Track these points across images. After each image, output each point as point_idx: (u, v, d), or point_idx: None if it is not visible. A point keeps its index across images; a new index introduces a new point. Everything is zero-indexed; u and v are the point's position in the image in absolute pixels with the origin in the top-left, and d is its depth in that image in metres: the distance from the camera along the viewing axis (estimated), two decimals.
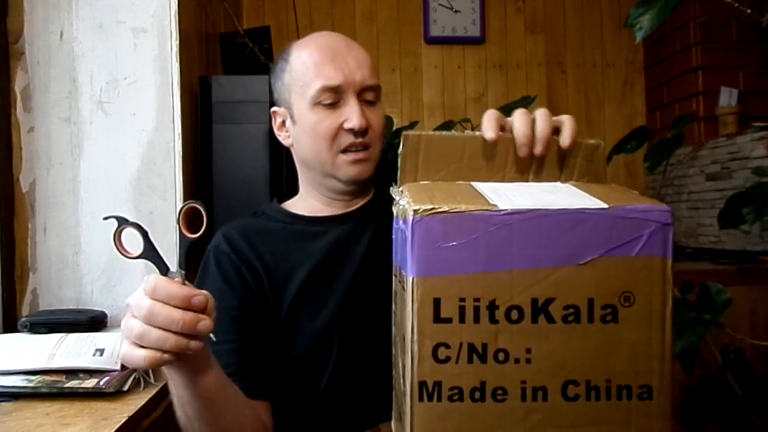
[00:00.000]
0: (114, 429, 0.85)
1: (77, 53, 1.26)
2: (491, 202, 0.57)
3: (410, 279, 0.56)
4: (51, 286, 1.25)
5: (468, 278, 0.55)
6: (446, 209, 0.55)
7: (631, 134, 1.78)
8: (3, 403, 0.95)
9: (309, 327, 0.96)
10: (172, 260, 1.24)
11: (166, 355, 0.63)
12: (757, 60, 2.25)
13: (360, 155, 0.98)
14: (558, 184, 0.68)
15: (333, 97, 0.97)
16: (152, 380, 1.07)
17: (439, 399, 0.55)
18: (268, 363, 0.97)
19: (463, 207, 0.56)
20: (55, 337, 1.07)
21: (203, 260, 1.02)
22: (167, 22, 1.27)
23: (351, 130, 0.97)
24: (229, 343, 0.94)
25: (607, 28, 2.64)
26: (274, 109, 1.06)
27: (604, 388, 0.57)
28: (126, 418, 0.89)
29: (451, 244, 0.55)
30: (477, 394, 0.56)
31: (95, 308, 1.21)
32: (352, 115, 0.96)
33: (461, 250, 0.55)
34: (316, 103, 0.97)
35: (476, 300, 0.55)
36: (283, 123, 1.05)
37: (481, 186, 0.65)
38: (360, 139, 0.97)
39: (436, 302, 0.55)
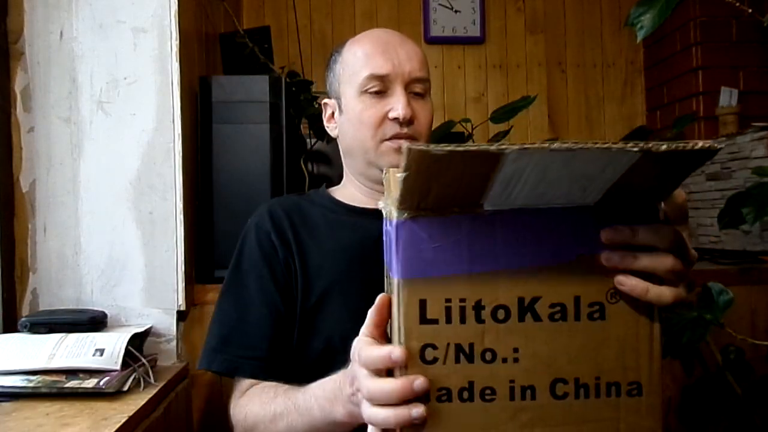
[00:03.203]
0: (114, 429, 0.85)
1: (77, 53, 1.26)
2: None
3: (396, 280, 0.55)
4: (51, 286, 1.25)
5: (453, 279, 0.55)
6: None
7: (631, 134, 1.79)
8: (3, 403, 0.96)
9: (333, 321, 0.95)
10: (171, 262, 1.26)
11: None
12: (757, 60, 2.24)
13: (404, 143, 0.96)
14: None
15: (380, 86, 0.98)
16: (152, 380, 1.08)
17: (427, 400, 0.55)
18: (285, 347, 0.97)
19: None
20: (55, 337, 1.07)
21: (243, 232, 1.04)
22: (167, 22, 1.27)
23: (396, 120, 0.97)
24: (261, 321, 0.96)
25: (607, 28, 2.63)
26: (324, 100, 1.09)
27: (593, 386, 0.56)
28: (126, 418, 0.89)
29: (435, 245, 0.55)
30: (465, 394, 0.55)
31: (95, 308, 1.22)
32: (397, 104, 0.97)
33: (446, 251, 0.55)
34: (363, 92, 0.99)
35: (462, 300, 0.55)
36: (333, 115, 1.07)
37: None
38: (405, 130, 0.98)
39: (422, 303, 0.55)
